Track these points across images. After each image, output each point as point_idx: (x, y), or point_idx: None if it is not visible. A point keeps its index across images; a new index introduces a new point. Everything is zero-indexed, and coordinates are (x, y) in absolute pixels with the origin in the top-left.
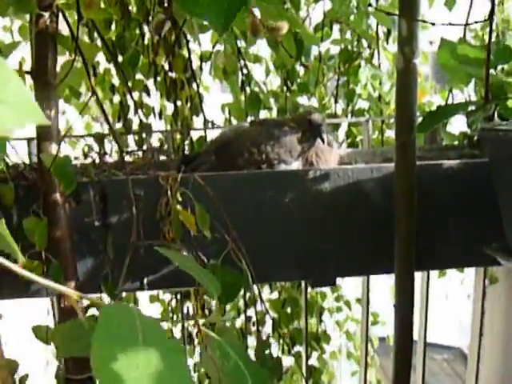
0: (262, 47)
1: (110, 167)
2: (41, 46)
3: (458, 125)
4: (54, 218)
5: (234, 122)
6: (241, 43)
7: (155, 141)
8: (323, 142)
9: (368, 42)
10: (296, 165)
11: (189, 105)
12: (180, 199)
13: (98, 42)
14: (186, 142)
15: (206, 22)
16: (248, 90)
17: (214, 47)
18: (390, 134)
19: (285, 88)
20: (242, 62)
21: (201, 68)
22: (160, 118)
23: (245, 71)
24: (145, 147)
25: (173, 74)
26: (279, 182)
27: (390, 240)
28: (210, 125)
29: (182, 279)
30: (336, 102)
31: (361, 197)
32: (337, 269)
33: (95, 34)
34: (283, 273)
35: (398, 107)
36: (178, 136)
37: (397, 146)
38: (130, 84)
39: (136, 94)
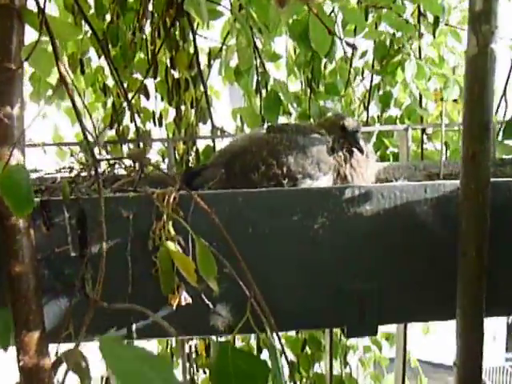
0: (280, 44)
1: (92, 182)
2: (2, 23)
3: None
4: (14, 249)
5: (248, 131)
6: (256, 39)
7: (154, 151)
8: (361, 152)
9: (409, 35)
10: (325, 180)
11: (194, 109)
12: (173, 230)
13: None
14: (191, 153)
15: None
16: (264, 91)
17: (224, 40)
18: (430, 146)
19: (308, 90)
20: (258, 59)
21: (209, 65)
22: (160, 124)
23: (260, 70)
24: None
25: (176, 73)
26: (305, 203)
27: (449, 279)
28: (218, 132)
29: (181, 325)
30: (367, 107)
31: (411, 223)
32: (379, 314)
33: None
34: (311, 320)
35: (468, 108)
36: (182, 145)
37: (465, 158)
38: (125, 84)
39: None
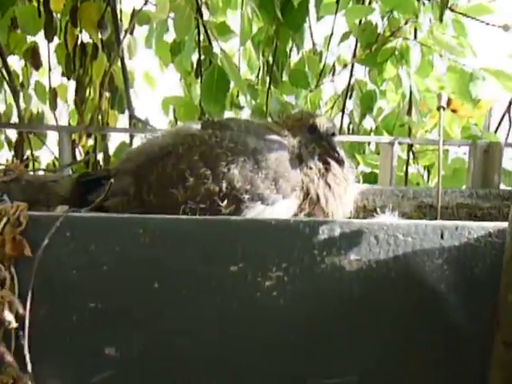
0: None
1: None
2: None
3: None
4: None
5: None
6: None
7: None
8: (341, 163)
9: (405, 18)
10: (286, 206)
11: (107, 91)
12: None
13: None
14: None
15: None
16: (208, 72)
17: None
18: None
19: (267, 78)
20: (202, 29)
21: (131, 32)
22: (53, 106)
23: (204, 44)
24: None
25: (82, 35)
26: (252, 244)
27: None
28: (139, 125)
29: None
30: (343, 109)
31: (419, 289)
32: None
33: None
34: None
35: None
36: (86, 139)
37: None
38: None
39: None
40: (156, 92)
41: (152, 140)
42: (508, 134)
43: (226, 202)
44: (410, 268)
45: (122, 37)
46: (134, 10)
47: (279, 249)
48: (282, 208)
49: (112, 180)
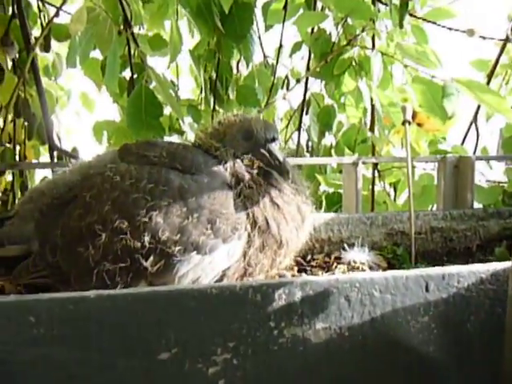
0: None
1: None
2: None
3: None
4: None
5: None
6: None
7: None
8: (285, 174)
9: (364, 22)
10: (228, 250)
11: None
12: None
13: None
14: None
15: None
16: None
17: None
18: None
19: (211, 97)
20: (133, 44)
21: (46, 49)
22: None
23: (136, 60)
24: None
25: None
26: (187, 321)
27: None
28: (65, 158)
29: None
30: (299, 127)
31: (405, 355)
32: None
33: None
34: None
35: None
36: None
37: None
38: None
39: None
40: (96, 116)
41: (60, 175)
42: (476, 147)
43: (151, 258)
44: (390, 332)
45: (29, 56)
46: (47, 22)
47: (224, 324)
48: (223, 254)
49: None
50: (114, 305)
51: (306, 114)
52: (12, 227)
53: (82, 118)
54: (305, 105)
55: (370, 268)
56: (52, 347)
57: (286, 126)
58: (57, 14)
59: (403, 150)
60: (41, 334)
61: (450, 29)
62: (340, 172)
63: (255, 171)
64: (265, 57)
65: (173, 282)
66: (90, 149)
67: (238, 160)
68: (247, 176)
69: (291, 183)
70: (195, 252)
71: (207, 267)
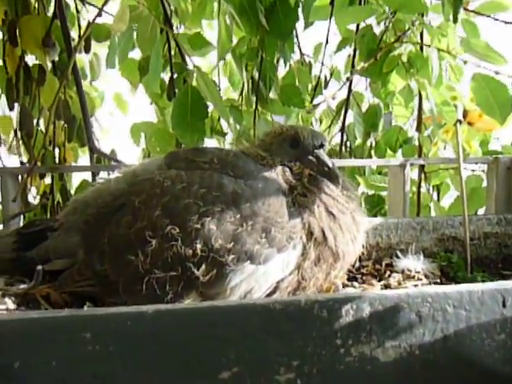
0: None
1: None
2: None
3: None
4: None
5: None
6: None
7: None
8: (335, 180)
9: (411, 20)
10: (283, 261)
11: (63, 120)
12: None
13: None
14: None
15: None
16: (180, 94)
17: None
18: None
19: (253, 97)
20: (173, 43)
21: (87, 50)
22: None
23: (177, 60)
24: None
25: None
26: (250, 338)
27: None
28: (104, 160)
29: None
30: (342, 128)
31: (479, 376)
32: None
33: None
34: None
35: None
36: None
37: None
38: None
39: None
40: (130, 117)
41: (104, 185)
42: None
43: (203, 267)
44: (464, 351)
45: (72, 56)
46: (88, 22)
47: (288, 342)
48: (277, 265)
49: (39, 268)
50: (172, 321)
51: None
52: (57, 240)
53: (116, 119)
54: (348, 105)
55: (426, 277)
56: (108, 365)
57: (329, 127)
58: (99, 14)
59: (450, 151)
60: (96, 351)
61: (505, 22)
62: (379, 173)
63: (306, 179)
64: (301, 55)
65: (225, 293)
66: (126, 150)
67: (287, 168)
68: (298, 184)
69: (343, 190)
70: (249, 261)
71: (261, 278)
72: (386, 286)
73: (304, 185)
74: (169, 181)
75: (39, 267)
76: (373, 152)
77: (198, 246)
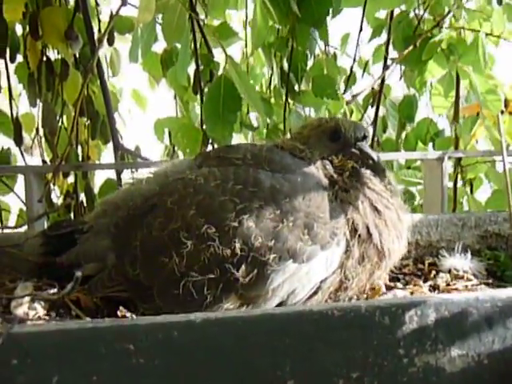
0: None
1: None
2: None
3: None
4: None
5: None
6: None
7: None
8: (381, 173)
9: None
10: (327, 259)
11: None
12: None
13: None
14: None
15: None
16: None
17: None
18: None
19: (283, 89)
20: (199, 34)
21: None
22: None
23: (202, 51)
24: None
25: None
26: (305, 349)
27: None
28: (128, 157)
29: None
30: (375, 120)
31: None
32: None
33: None
34: None
35: None
36: (63, 178)
37: None
38: None
39: None
40: (147, 114)
41: (134, 186)
42: None
43: (243, 268)
44: None
45: (96, 49)
46: (111, 13)
47: (347, 351)
48: (321, 263)
49: (79, 274)
50: (222, 330)
51: (372, 106)
52: (87, 244)
53: (134, 116)
54: (381, 96)
55: (475, 277)
56: (153, 380)
57: (360, 119)
58: (124, 3)
59: (483, 144)
60: (141, 365)
61: None
62: (408, 168)
63: (347, 173)
64: (326, 46)
65: (266, 295)
66: (146, 148)
67: (327, 161)
68: (340, 178)
69: (387, 184)
70: (291, 260)
71: (304, 278)
72: (435, 287)
73: (346, 179)
74: (202, 179)
75: (78, 273)
76: (401, 146)
77: (237, 246)
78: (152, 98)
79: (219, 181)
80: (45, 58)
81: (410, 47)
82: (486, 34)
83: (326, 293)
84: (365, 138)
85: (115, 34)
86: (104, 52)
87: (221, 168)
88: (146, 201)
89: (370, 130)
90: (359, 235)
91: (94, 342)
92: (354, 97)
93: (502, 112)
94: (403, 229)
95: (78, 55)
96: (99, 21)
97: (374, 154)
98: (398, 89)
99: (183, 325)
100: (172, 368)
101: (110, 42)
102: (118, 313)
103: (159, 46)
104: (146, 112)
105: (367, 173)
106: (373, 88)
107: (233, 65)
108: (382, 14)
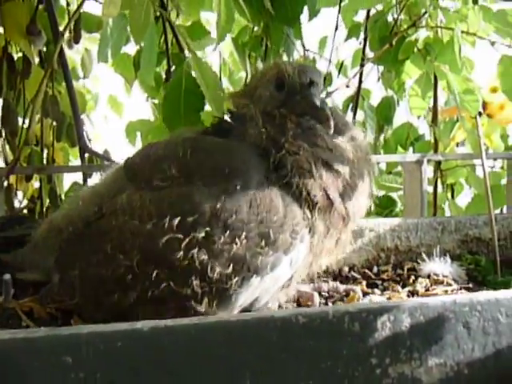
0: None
1: None
2: None
3: None
4: None
5: None
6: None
7: None
8: (324, 121)
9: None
10: (287, 264)
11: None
12: None
13: None
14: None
15: None
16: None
17: None
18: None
19: None
20: (170, 33)
21: (76, 41)
22: None
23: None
24: None
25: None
26: (265, 359)
27: None
28: (96, 161)
29: None
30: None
31: None
32: None
33: None
34: None
35: None
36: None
37: None
38: None
39: None
40: (124, 119)
41: (72, 206)
42: None
43: (205, 301)
44: None
45: (58, 42)
46: (78, 7)
47: (313, 362)
48: (286, 267)
49: (7, 277)
50: (173, 340)
51: (352, 109)
52: (35, 254)
53: (110, 122)
54: (359, 98)
55: (455, 281)
56: None
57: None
58: None
59: (466, 147)
60: (80, 379)
61: None
62: (390, 173)
63: (292, 131)
64: (305, 50)
65: (231, 312)
66: (120, 151)
67: (268, 121)
68: (284, 138)
69: (341, 133)
70: (255, 276)
71: (269, 285)
72: (413, 293)
73: (291, 139)
74: (136, 219)
75: (7, 276)
76: (381, 151)
77: (194, 284)
78: (129, 102)
79: (155, 219)
80: (6, 56)
81: (386, 46)
82: (462, 32)
83: (298, 277)
84: (312, 83)
85: (85, 33)
86: (73, 52)
87: (151, 195)
88: (86, 225)
89: None
90: (319, 208)
91: (26, 354)
92: (329, 94)
93: (480, 114)
94: (364, 182)
95: (43, 54)
96: (69, 14)
97: (317, 100)
98: (378, 93)
99: (129, 334)
100: (116, 382)
101: (77, 40)
102: (72, 322)
103: (132, 48)
104: (122, 117)
105: (316, 127)
106: (347, 86)
107: (195, 59)
108: (360, 17)
